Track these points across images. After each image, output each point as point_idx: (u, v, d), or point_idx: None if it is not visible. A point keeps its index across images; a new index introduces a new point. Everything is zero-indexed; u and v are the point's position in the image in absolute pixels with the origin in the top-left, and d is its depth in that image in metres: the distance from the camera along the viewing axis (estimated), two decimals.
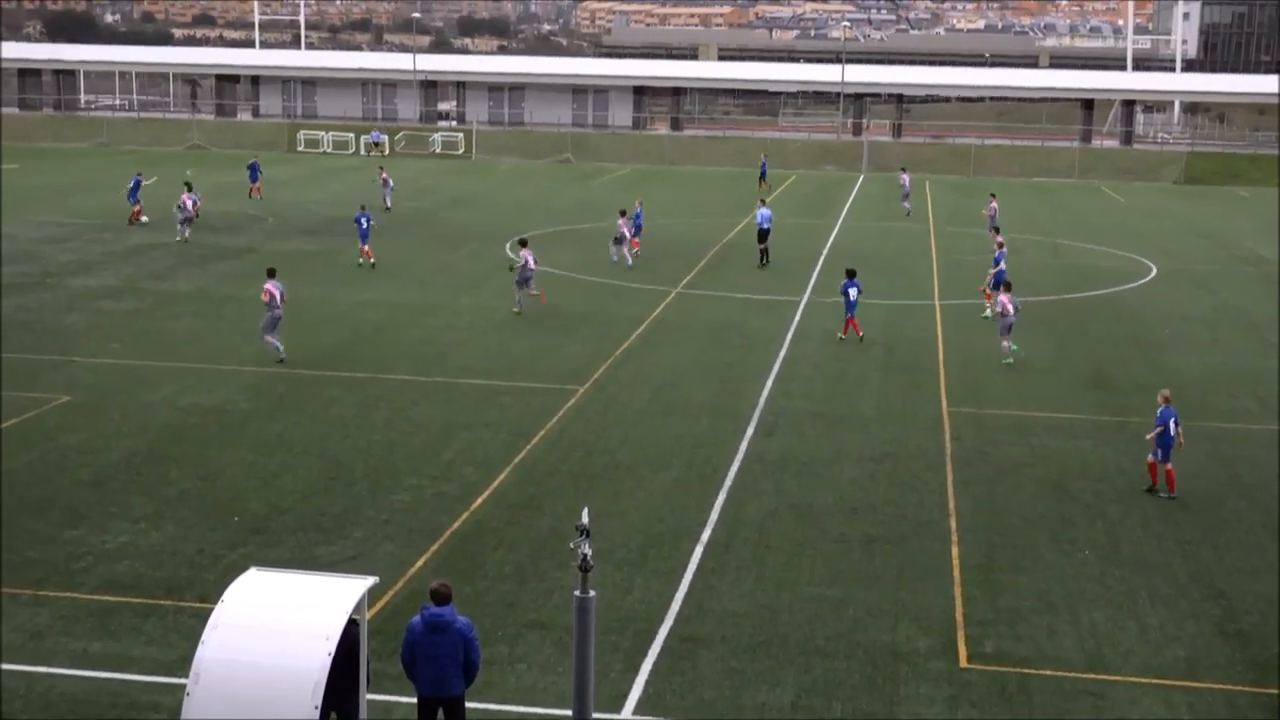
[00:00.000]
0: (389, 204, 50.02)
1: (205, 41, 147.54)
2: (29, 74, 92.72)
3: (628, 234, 38.12)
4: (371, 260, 37.06)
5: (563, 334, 29.19)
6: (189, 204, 40.89)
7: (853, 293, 28.78)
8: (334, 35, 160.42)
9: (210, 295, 32.81)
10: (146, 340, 27.67)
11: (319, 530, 17.03)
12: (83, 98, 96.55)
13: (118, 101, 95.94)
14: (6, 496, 17.97)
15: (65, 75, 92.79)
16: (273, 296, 26.19)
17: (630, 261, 37.74)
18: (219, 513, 17.61)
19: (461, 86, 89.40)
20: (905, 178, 53.85)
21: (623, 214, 39.46)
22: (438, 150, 77.24)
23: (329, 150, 77.29)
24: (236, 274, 35.96)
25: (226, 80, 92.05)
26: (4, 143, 77.05)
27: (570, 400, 23.58)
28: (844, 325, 29.01)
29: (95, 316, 30.07)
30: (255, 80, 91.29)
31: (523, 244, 32.78)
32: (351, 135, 78.30)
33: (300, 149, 78.07)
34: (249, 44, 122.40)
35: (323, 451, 20.42)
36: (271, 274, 26.69)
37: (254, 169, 53.58)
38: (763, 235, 38.90)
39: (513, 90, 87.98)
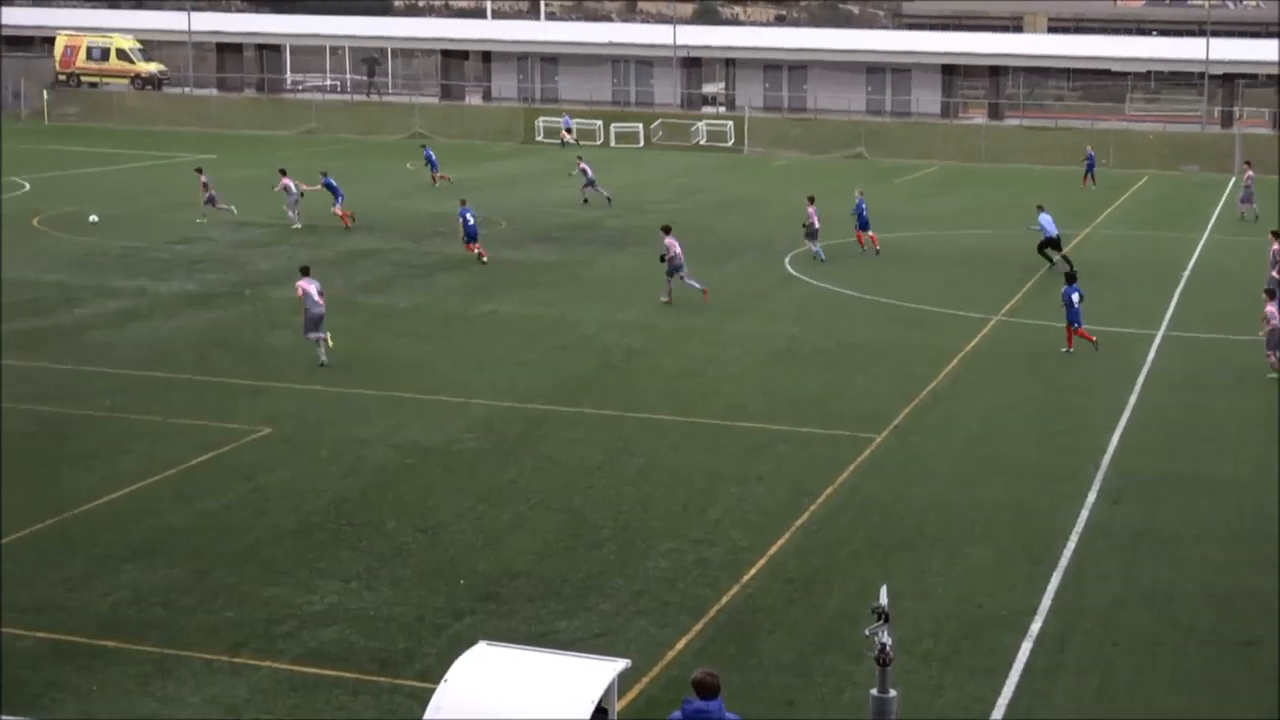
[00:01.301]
0: (607, 193, 53.29)
1: (429, 11, 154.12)
2: (228, 49, 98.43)
3: (817, 224, 40.48)
4: (484, 258, 39.66)
5: (854, 368, 29.07)
6: (293, 188, 46.06)
7: (1074, 298, 29.93)
8: (579, 3, 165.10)
9: (433, 312, 34.07)
10: (359, 365, 28.87)
11: (559, 599, 17.35)
12: (289, 77, 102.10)
13: (328, 82, 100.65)
14: (200, 544, 19.02)
15: (269, 51, 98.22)
16: (307, 294, 28.34)
17: (823, 255, 40.38)
18: (442, 573, 18.14)
19: (731, 65, 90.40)
20: (1249, 174, 53.96)
21: (812, 200, 41.35)
22: (702, 142, 78.24)
23: (572, 141, 79.37)
24: (464, 288, 37.24)
25: (453, 57, 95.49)
26: (202, 128, 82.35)
27: (864, 451, 23.43)
28: (1067, 337, 30.10)
29: (300, 335, 31.63)
30: (486, 57, 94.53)
31: (666, 230, 35.44)
32: (599, 123, 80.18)
33: (539, 138, 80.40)
34: (479, 14, 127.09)
35: (564, 504, 20.84)
36: (305, 272, 29.40)
37: (430, 156, 58.70)
38: (1053, 243, 40.14)
39: (793, 70, 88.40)
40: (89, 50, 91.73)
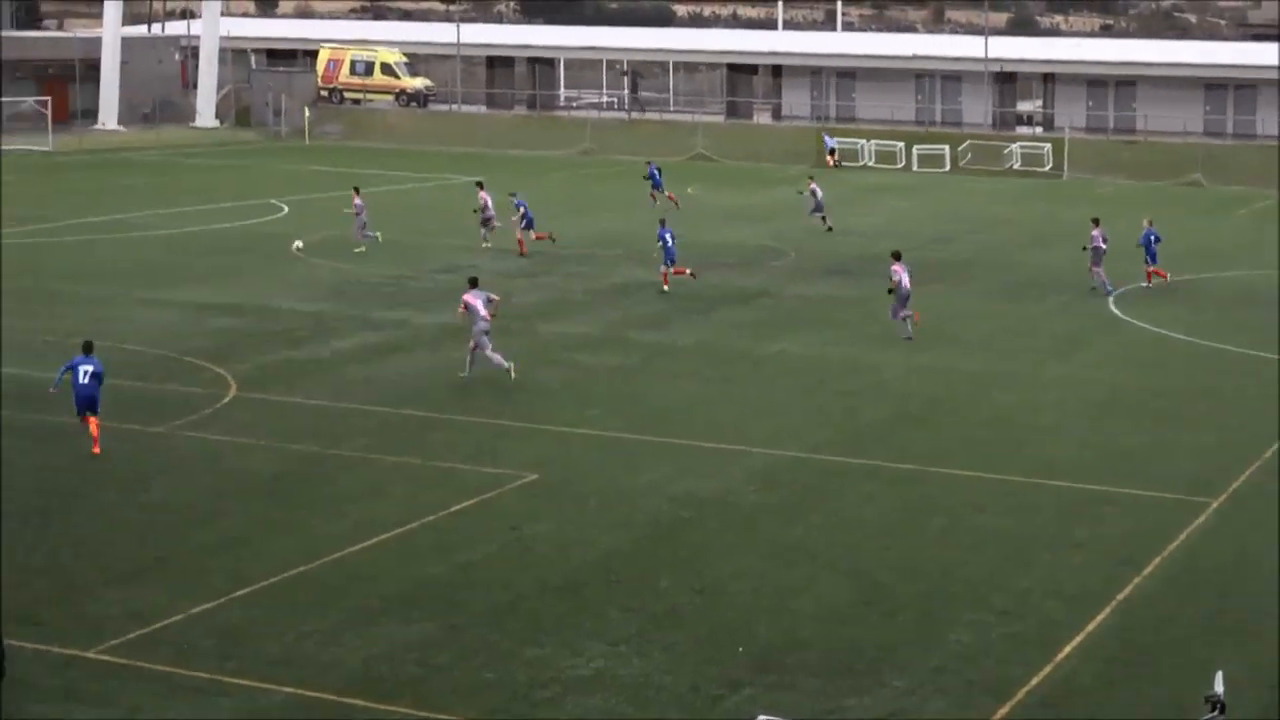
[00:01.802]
0: (829, 223, 53.77)
1: (714, 22, 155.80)
2: (499, 64, 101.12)
3: (1104, 245, 41.14)
4: (665, 286, 41.11)
5: (1185, 423, 28.33)
6: (489, 203, 48.05)
7: None
8: (880, 13, 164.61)
9: (715, 351, 34.37)
10: (633, 406, 29.31)
11: (847, 673, 17.25)
12: (562, 93, 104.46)
13: (604, 98, 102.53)
14: (459, 597, 19.49)
15: (542, 65, 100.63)
16: (471, 308, 29.67)
17: (1109, 288, 40.71)
18: (719, 639, 18.19)
19: (1049, 80, 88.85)
20: None
21: (1096, 222, 42.14)
22: (1015, 166, 77.07)
23: (871, 163, 79.13)
24: (749, 325, 37.47)
25: (740, 71, 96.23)
26: (468, 148, 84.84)
27: (1198, 518, 22.77)
28: None
29: (571, 373, 32.23)
30: (776, 71, 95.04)
31: (895, 257, 35.83)
32: (900, 145, 79.72)
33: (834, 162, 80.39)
34: (768, 24, 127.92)
35: (855, 566, 20.75)
36: (473, 284, 31.35)
37: (655, 173, 59.80)
38: None
39: (1120, 86, 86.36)
40: (353, 64, 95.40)
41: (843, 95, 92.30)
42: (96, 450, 25.47)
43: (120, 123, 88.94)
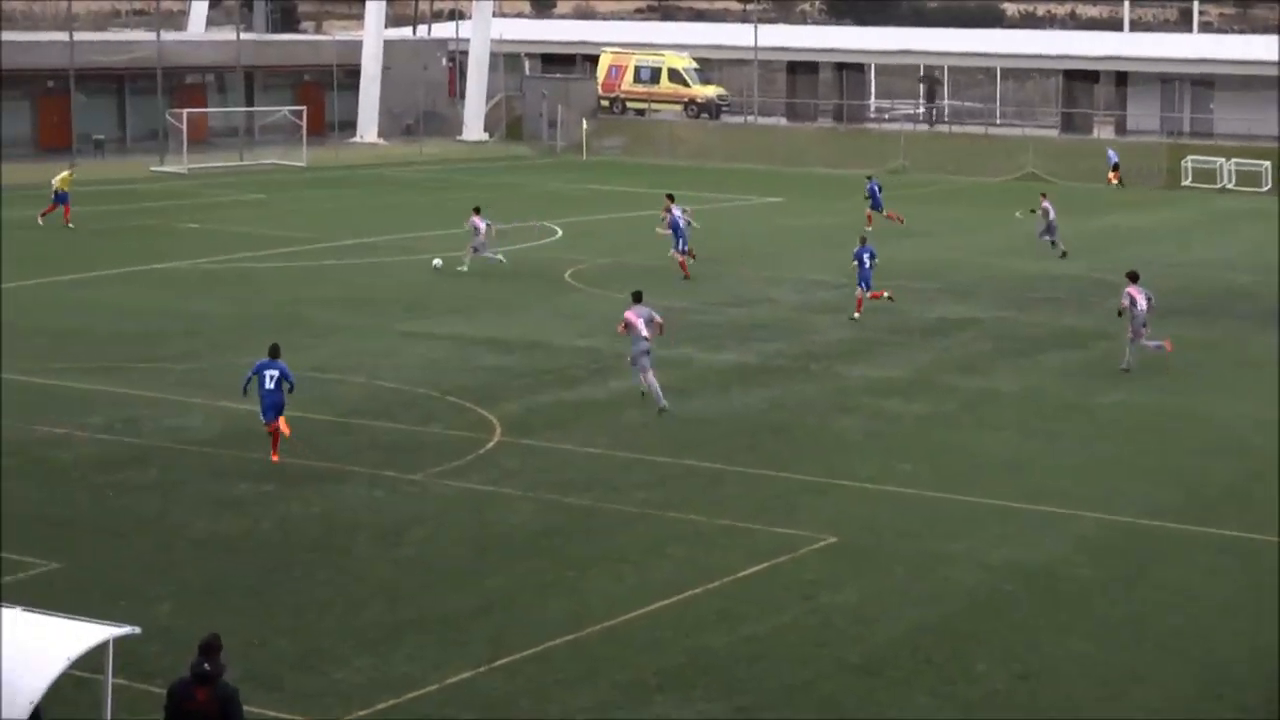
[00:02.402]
0: (1061, 248, 53.82)
1: (1049, 22, 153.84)
2: (801, 70, 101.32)
3: None
4: (857, 314, 42.28)
5: None
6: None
7: None
8: (1243, 10, 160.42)
9: (1042, 399, 34.01)
10: (947, 461, 29.13)
11: None
12: (872, 103, 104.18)
13: (919, 110, 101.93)
14: (746, 675, 19.50)
15: (850, 71, 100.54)
16: (632, 326, 30.52)
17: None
18: None
19: None
20: None
21: None
22: None
23: (1230, 185, 77.18)
24: (1080, 370, 36.95)
25: (1078, 79, 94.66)
26: (766, 165, 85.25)
27: None
28: None
29: (877, 422, 32.16)
30: (1121, 79, 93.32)
31: (1133, 278, 37.43)
32: (1266, 165, 77.53)
33: (1186, 182, 78.59)
34: (1113, 25, 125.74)
35: (1203, 651, 20.26)
36: (637, 298, 32.71)
37: (875, 190, 60.16)
38: None
39: None
40: (637, 71, 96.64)
41: (1198, 107, 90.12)
42: (275, 458, 27.95)
43: (380, 135, 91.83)
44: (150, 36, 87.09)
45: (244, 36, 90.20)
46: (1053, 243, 54.46)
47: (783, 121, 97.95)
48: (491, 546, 24.12)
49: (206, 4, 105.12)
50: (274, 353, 28.66)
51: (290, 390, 28.26)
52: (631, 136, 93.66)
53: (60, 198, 58.49)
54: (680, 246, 48.78)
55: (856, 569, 23.25)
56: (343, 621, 20.97)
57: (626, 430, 31.13)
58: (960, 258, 52.91)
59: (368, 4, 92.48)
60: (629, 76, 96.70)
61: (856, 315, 42.47)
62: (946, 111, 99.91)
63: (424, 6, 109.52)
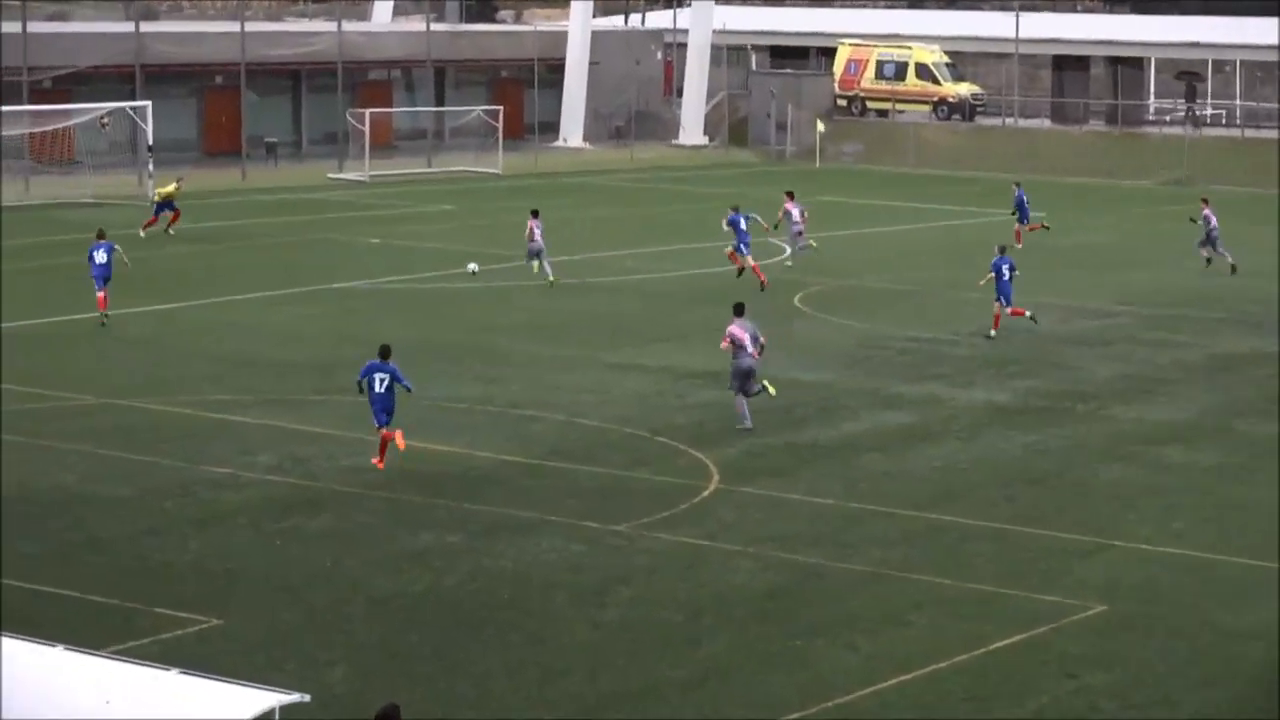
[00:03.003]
0: (1229, 259, 53.78)
1: None
2: (1068, 65, 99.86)
3: None
4: (993, 331, 43.41)
5: None
6: (795, 213, 53.22)
7: None
8: None
9: None
10: (1238, 520, 28.70)
11: None
12: (1151, 104, 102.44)
13: (1208, 111, 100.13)
14: None
15: (1126, 67, 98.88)
16: (735, 341, 32.37)
17: None
18: None
19: None
20: None
21: None
22: None
23: None
24: None
25: None
26: (1028, 174, 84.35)
27: None
28: None
29: (1154, 473, 31.77)
30: None
31: None
32: None
33: None
34: None
35: None
36: (739, 311, 33.99)
37: (1022, 199, 60.86)
38: None
39: None
40: (879, 65, 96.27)
41: None
42: (379, 464, 30.40)
43: (586, 139, 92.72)
44: (330, 27, 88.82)
45: (434, 27, 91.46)
46: (1208, 260, 54.17)
47: (1046, 124, 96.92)
48: (706, 609, 24.12)
49: None
50: (384, 354, 30.57)
51: (408, 391, 30.54)
52: (872, 141, 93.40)
53: (162, 207, 59.71)
54: (739, 246, 50.81)
55: (1127, 644, 22.92)
56: (536, 693, 21.08)
57: (862, 478, 31.00)
58: (1249, 284, 51.86)
59: None
60: (870, 72, 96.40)
61: (993, 333, 43.52)
62: (1239, 113, 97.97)
63: None
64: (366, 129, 79.44)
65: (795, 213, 53.86)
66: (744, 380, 33.64)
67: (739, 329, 33.58)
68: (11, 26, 75.95)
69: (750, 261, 50.74)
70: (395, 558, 26.14)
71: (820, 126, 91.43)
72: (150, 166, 70.35)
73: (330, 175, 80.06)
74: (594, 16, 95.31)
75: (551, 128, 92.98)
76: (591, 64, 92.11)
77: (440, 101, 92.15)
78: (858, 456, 32.60)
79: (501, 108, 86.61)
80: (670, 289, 51.16)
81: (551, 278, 50.22)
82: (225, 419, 34.57)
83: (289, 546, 26.70)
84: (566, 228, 63.38)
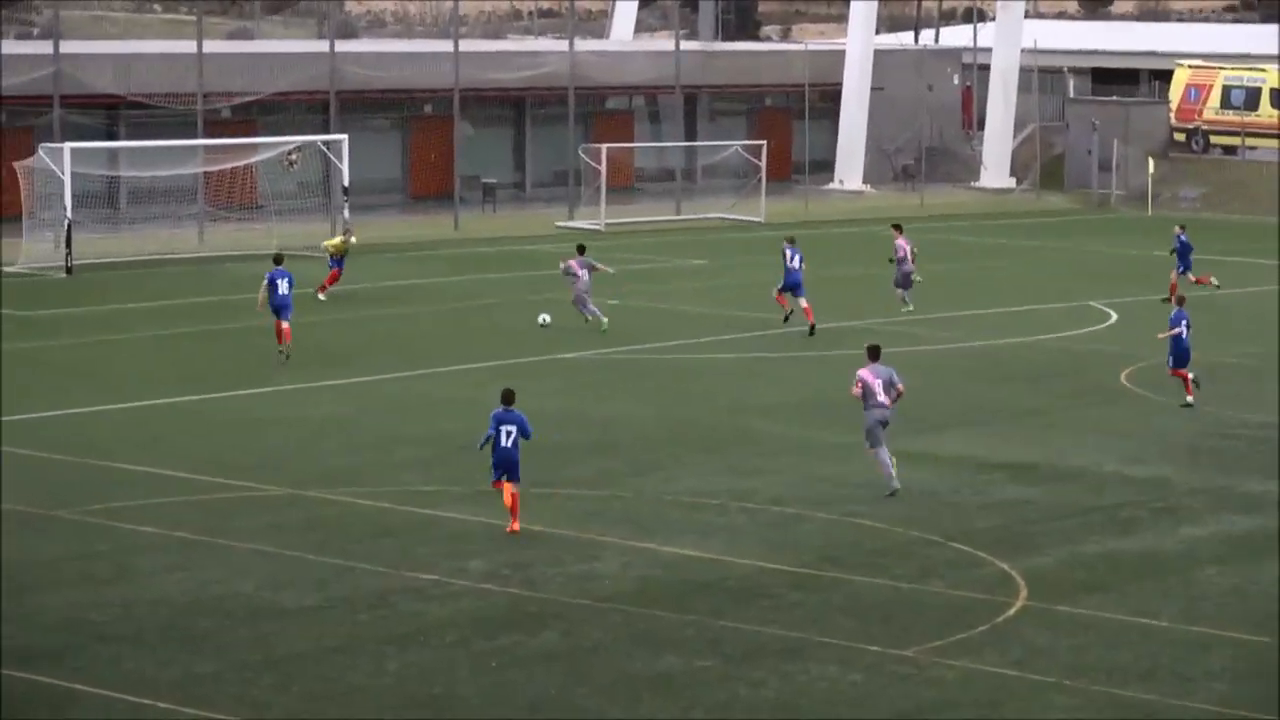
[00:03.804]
0: None
1: None
2: None
3: None
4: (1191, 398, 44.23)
5: None
6: (907, 249, 58.16)
7: None
8: None
9: None
10: None
11: None
12: None
13: None
14: None
15: None
16: (867, 388, 34.86)
17: None
18: None
19: None
20: None
21: None
22: None
23: None
24: None
25: None
26: None
27: None
28: None
29: None
30: None
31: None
32: None
33: None
34: None
35: None
36: (874, 354, 36.36)
37: (1183, 242, 61.62)
38: None
39: None
40: (1226, 92, 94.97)
41: None
42: (515, 528, 32.21)
43: (867, 180, 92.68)
44: (560, 46, 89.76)
45: (685, 46, 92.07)
46: None
47: None
48: None
49: (635, 2, 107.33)
50: (508, 399, 32.62)
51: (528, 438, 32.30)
52: (1217, 183, 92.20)
53: (336, 262, 60.14)
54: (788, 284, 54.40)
55: None
56: None
57: (1205, 595, 30.56)
58: None
59: (853, 2, 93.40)
60: (1214, 100, 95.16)
61: (1190, 399, 44.70)
62: None
63: (929, 3, 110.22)
64: (603, 168, 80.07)
65: (906, 249, 57.74)
66: (876, 430, 34.82)
67: (870, 374, 34.88)
68: (185, 47, 77.79)
69: (804, 304, 54.29)
70: (633, 685, 26.15)
71: (1152, 166, 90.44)
72: (346, 212, 71.32)
73: (559, 223, 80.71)
74: (877, 33, 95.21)
75: (825, 167, 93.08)
76: (873, 90, 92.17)
77: (691, 136, 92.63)
78: (1199, 569, 32.13)
79: (765, 143, 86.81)
80: (967, 362, 50.88)
81: (604, 322, 53.29)
82: (432, 514, 34.88)
83: (506, 670, 26.80)
84: (837, 286, 63.38)
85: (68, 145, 66.18)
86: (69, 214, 65.07)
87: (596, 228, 79.31)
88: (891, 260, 59.18)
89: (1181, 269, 61.78)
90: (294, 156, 75.57)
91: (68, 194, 65.12)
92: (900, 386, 35.97)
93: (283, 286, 47.42)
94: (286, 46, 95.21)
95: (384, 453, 39.59)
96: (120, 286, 63.46)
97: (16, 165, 67.49)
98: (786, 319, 54.81)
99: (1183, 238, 62.23)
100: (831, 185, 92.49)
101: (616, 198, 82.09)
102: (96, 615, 28.37)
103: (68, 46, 76.65)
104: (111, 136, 77.85)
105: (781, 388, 47.32)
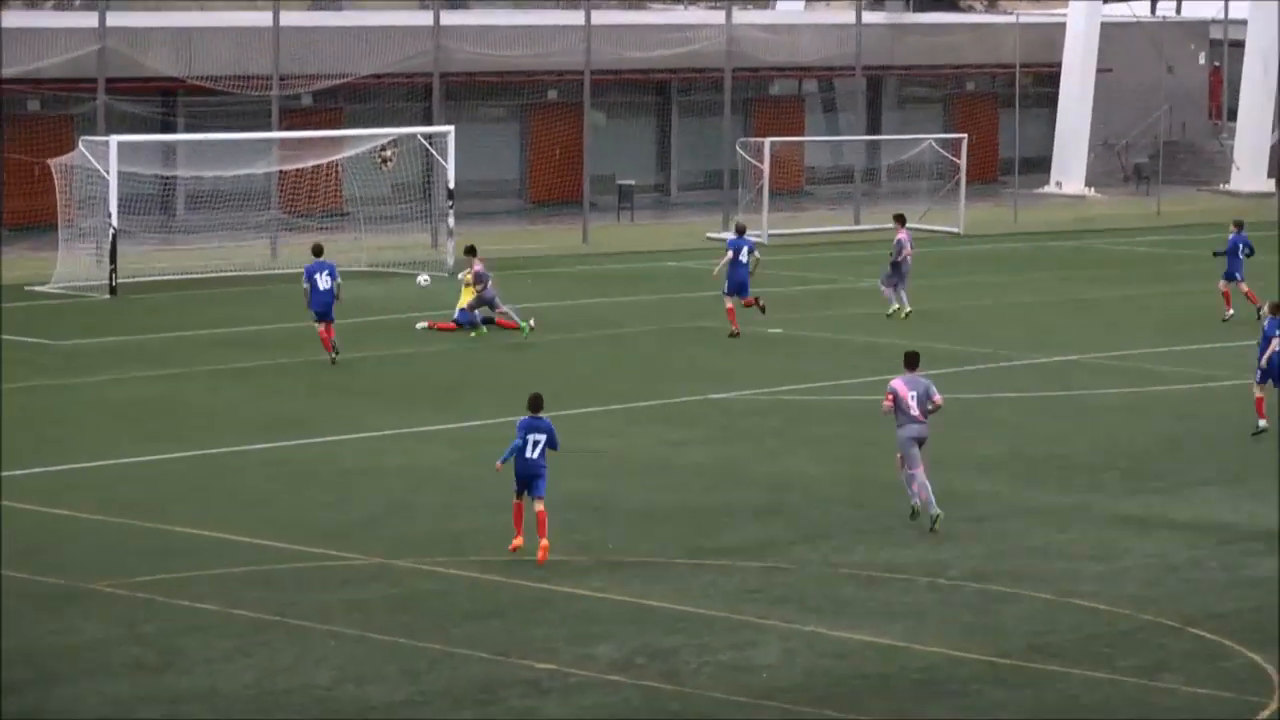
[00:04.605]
0: None
1: None
2: None
3: None
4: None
5: None
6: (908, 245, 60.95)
7: None
8: None
9: None
10: None
11: None
12: None
13: None
14: None
15: None
16: (900, 401, 36.80)
17: None
18: None
19: None
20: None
21: None
22: None
23: None
24: None
25: None
26: None
27: None
28: None
29: None
30: None
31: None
32: None
33: None
34: None
35: None
36: (912, 362, 37.82)
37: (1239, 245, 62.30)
38: None
39: None
40: None
41: None
42: (543, 551, 34.73)
43: (1090, 183, 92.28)
44: (715, 18, 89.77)
45: (868, 18, 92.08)
46: None
47: None
48: None
49: None
50: (536, 405, 34.21)
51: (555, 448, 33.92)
52: None
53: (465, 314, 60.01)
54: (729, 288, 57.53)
55: None
56: None
57: None
58: None
59: None
60: None
61: (1262, 423, 46.50)
62: None
63: None
64: (766, 167, 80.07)
65: (907, 244, 60.10)
66: (911, 451, 36.47)
67: (904, 385, 36.16)
68: (257, 19, 78.15)
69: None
70: None
71: None
72: (451, 220, 71.52)
73: (710, 235, 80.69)
74: (1105, 1, 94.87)
75: (1039, 166, 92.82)
76: (1100, 72, 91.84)
77: (875, 128, 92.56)
78: None
79: (965, 136, 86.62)
80: (1218, 405, 50.56)
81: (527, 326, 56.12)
82: (551, 590, 34.86)
83: None
84: (1050, 311, 63.22)
85: (114, 138, 66.59)
86: (114, 222, 65.48)
87: (758, 240, 79.18)
88: (896, 263, 61.31)
89: (1234, 275, 62.68)
90: (389, 153, 75.43)
91: (113, 197, 65.54)
92: (938, 399, 37.13)
93: (323, 281, 47.44)
94: (381, 19, 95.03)
95: (493, 514, 39.43)
96: (175, 310, 64.00)
97: (52, 163, 67.77)
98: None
99: (1239, 238, 63.21)
100: (1047, 188, 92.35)
101: (782, 203, 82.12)
102: (143, 711, 28.53)
103: (115, 19, 76.88)
104: (167, 128, 78.43)
105: (990, 436, 47.14)
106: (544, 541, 34.68)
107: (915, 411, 36.73)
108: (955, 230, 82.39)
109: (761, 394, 51.55)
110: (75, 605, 33.37)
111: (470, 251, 57.25)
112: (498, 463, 35.04)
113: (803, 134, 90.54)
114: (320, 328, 48.68)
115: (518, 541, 34.98)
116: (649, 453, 45.21)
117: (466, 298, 59.16)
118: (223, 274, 69.66)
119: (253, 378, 52.77)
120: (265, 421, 47.31)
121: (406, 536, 38.08)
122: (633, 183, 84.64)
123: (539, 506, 34.36)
